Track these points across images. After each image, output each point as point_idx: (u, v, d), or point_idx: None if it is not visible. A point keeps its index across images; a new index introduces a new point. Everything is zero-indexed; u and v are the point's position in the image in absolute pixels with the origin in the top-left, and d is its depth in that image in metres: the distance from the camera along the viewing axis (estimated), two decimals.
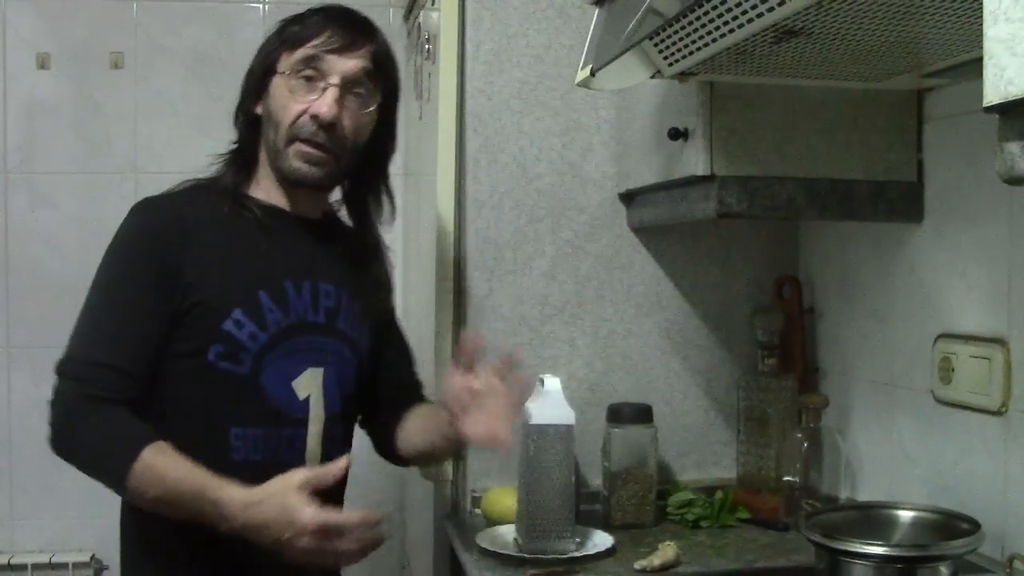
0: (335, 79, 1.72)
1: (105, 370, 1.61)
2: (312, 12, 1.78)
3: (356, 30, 1.76)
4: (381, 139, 1.87)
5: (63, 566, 3.05)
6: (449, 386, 1.73)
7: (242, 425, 1.68)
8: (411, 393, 2.00)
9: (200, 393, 1.66)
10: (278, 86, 1.74)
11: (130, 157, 3.14)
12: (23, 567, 3.02)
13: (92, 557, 3.07)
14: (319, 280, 1.80)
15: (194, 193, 1.77)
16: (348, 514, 1.58)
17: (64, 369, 1.64)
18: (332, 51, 1.72)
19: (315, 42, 1.72)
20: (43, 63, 3.11)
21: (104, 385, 1.61)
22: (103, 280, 1.71)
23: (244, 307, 1.69)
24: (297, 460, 1.71)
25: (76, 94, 3.13)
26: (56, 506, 3.11)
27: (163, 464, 1.56)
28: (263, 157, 1.80)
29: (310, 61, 1.72)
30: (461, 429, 1.70)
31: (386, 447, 1.96)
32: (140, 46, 3.14)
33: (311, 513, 1.53)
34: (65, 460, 1.64)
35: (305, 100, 1.72)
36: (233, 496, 1.55)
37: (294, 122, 1.72)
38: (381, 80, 1.80)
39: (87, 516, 3.07)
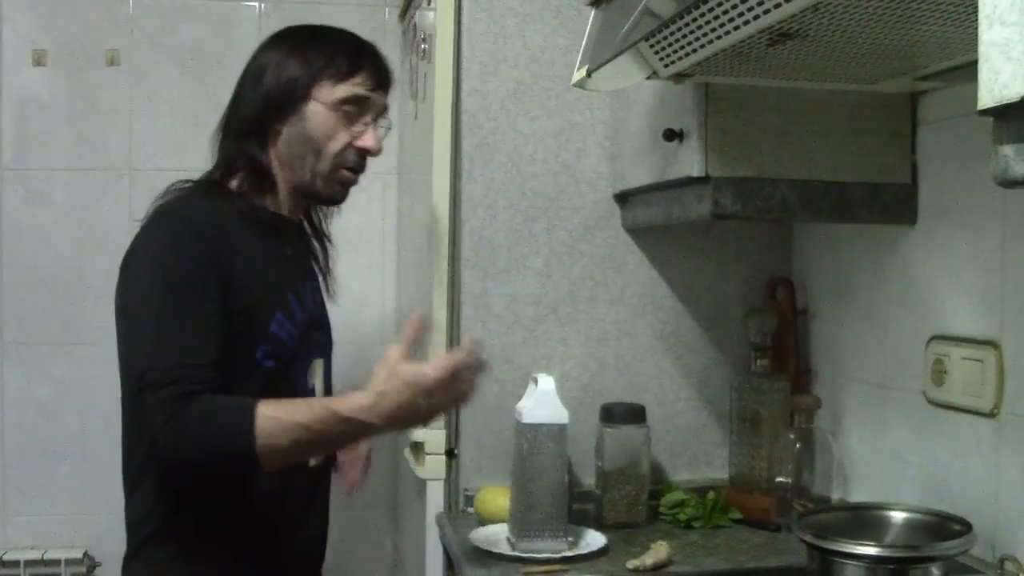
0: (374, 115, 1.88)
1: (187, 368, 1.59)
2: (341, 42, 1.88)
3: (385, 66, 1.91)
4: None
5: (55, 563, 3.04)
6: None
7: None
8: None
9: (245, 389, 1.67)
10: (319, 114, 1.83)
11: (125, 154, 3.14)
12: (15, 563, 3.01)
13: (85, 554, 3.07)
14: (312, 280, 1.97)
15: (211, 201, 1.79)
16: (457, 353, 1.67)
17: (147, 381, 1.60)
18: (372, 89, 1.87)
19: (357, 79, 1.85)
20: (39, 60, 3.10)
21: (192, 381, 1.58)
22: (157, 288, 1.67)
23: (282, 309, 1.79)
24: None
25: (71, 91, 3.12)
26: (49, 503, 3.11)
27: (280, 411, 1.59)
28: (276, 170, 1.86)
29: (358, 98, 1.85)
30: None
31: None
32: (136, 43, 3.14)
33: (434, 370, 1.61)
34: (184, 469, 1.63)
35: (350, 132, 1.85)
36: (359, 405, 1.61)
37: (340, 151, 1.84)
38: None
39: (80, 513, 3.08)
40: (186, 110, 3.12)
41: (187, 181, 1.83)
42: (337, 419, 1.60)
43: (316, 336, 1.90)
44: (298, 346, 1.82)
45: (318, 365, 1.89)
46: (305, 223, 2.01)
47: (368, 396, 1.60)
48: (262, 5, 3.18)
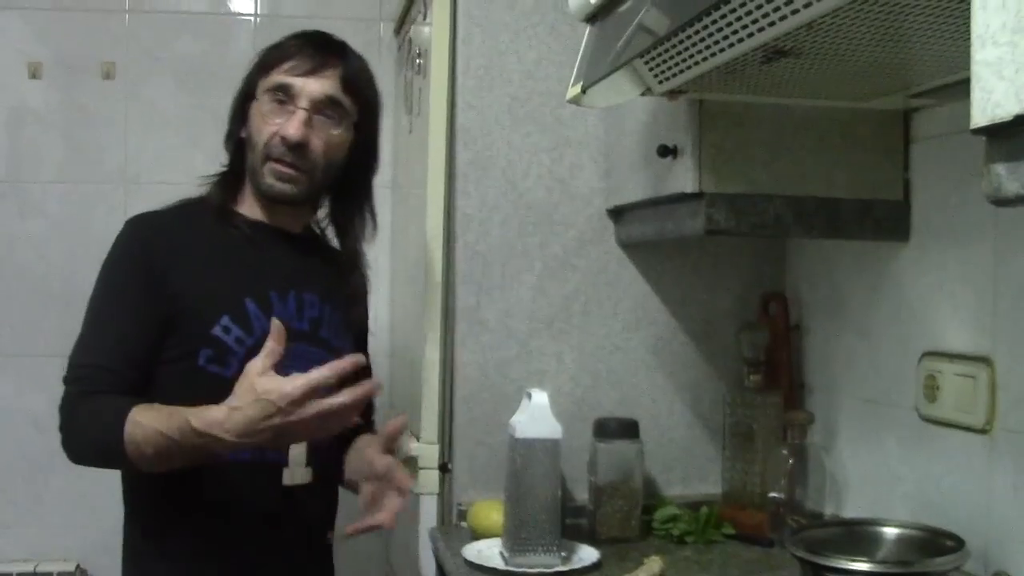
0: (303, 102, 1.80)
1: (96, 369, 1.70)
2: (289, 37, 1.88)
3: (326, 53, 1.84)
4: (362, 157, 1.94)
5: (47, 575, 3.04)
6: (364, 457, 1.83)
7: None
8: (368, 411, 2.04)
9: (190, 395, 1.68)
10: (254, 110, 1.84)
11: (120, 167, 3.15)
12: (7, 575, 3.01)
13: (77, 567, 3.06)
14: (303, 291, 1.87)
15: (183, 209, 1.86)
16: (323, 369, 1.60)
17: (64, 378, 1.72)
18: (300, 75, 1.81)
19: (285, 67, 1.81)
20: (34, 72, 3.11)
21: (94, 381, 1.69)
22: (96, 292, 1.79)
23: (231, 313, 1.76)
24: (282, 460, 1.78)
25: (67, 104, 3.13)
26: (41, 514, 3.10)
27: (147, 417, 1.61)
28: (248, 176, 1.88)
29: (280, 85, 1.81)
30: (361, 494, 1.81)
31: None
32: (132, 57, 3.15)
33: (291, 384, 1.56)
34: (78, 462, 1.69)
35: (275, 123, 1.80)
36: (212, 415, 1.57)
37: (267, 143, 1.81)
38: (353, 101, 1.87)
39: (72, 525, 3.07)
40: (181, 123, 3.13)
41: (185, 199, 1.90)
42: (192, 431, 1.57)
43: (296, 349, 1.77)
44: (252, 354, 1.69)
45: None
46: (338, 240, 1.99)
47: (221, 411, 1.57)
48: (257, 20, 3.19)
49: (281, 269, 1.87)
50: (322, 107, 1.82)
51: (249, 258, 1.84)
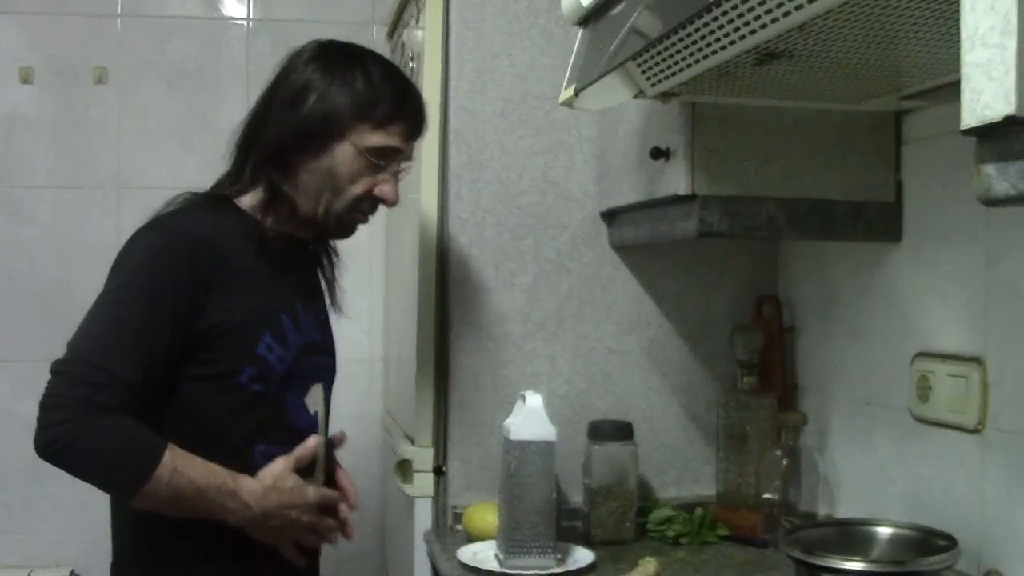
0: (400, 164, 1.84)
1: (116, 380, 1.57)
2: (396, 90, 1.81)
3: (424, 120, 1.88)
4: None
5: None
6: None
7: (266, 443, 1.73)
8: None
9: (227, 413, 1.70)
10: (348, 156, 1.77)
11: (113, 172, 3.15)
12: None
13: (71, 573, 3.06)
14: (318, 301, 1.92)
15: (213, 215, 1.76)
16: (335, 492, 1.81)
17: (68, 370, 1.58)
18: (406, 140, 1.83)
19: (394, 129, 1.79)
20: (26, 78, 3.11)
21: (113, 394, 1.56)
22: (123, 288, 1.66)
23: (272, 331, 1.74)
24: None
25: (59, 109, 3.13)
26: (35, 520, 3.10)
27: (182, 463, 1.60)
28: (292, 195, 1.79)
29: (390, 149, 1.79)
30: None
31: None
32: (124, 61, 3.15)
33: (313, 490, 1.74)
34: (54, 463, 1.56)
35: (373, 179, 1.80)
36: (250, 486, 1.66)
37: (362, 197, 1.80)
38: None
39: (67, 531, 3.07)
40: (174, 127, 3.13)
41: (196, 193, 1.80)
42: (228, 491, 1.64)
43: (317, 361, 1.85)
44: (289, 370, 1.76)
45: (317, 391, 1.82)
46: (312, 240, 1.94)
47: (258, 485, 1.67)
48: (250, 24, 3.18)
49: (304, 281, 1.89)
50: (405, 161, 1.86)
51: (279, 271, 1.80)
